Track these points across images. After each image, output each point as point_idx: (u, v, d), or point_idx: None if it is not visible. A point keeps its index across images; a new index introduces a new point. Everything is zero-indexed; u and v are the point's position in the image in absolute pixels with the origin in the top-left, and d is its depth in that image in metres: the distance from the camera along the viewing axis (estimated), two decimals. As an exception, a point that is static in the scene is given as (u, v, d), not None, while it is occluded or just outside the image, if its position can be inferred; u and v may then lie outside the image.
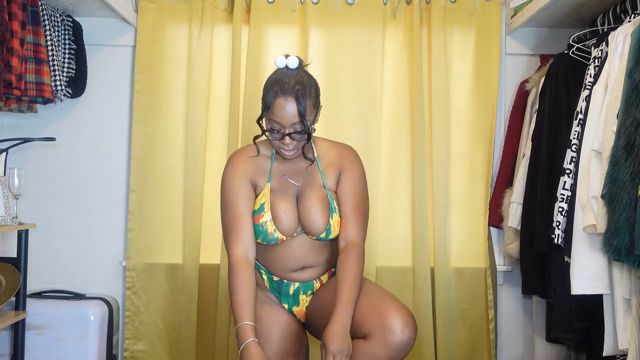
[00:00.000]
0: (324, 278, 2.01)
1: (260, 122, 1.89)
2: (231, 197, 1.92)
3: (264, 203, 1.90)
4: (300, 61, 1.88)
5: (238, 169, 1.95)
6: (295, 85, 1.79)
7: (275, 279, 1.99)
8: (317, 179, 1.96)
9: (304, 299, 2.00)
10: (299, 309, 2.01)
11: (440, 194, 2.88)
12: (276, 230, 1.89)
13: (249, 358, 1.74)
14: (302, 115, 1.79)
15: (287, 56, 1.87)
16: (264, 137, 1.91)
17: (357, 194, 1.94)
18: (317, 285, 2.00)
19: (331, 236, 1.92)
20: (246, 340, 1.76)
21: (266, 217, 1.89)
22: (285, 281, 1.98)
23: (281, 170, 1.97)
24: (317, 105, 1.88)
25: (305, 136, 1.85)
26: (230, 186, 1.93)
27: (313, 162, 1.96)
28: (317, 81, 1.91)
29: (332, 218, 1.90)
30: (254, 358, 1.74)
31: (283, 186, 1.95)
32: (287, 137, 1.83)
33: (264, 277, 2.00)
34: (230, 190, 1.92)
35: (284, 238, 1.91)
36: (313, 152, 1.98)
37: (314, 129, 1.92)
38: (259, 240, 1.92)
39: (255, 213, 1.90)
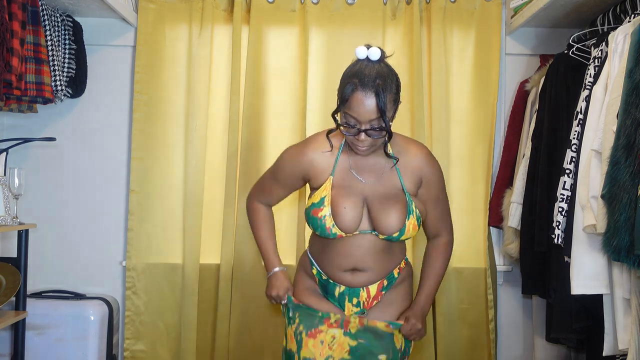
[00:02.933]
0: (372, 289, 1.87)
1: (336, 115, 1.75)
2: (280, 173, 1.95)
3: (324, 197, 1.79)
4: (383, 53, 1.74)
5: (304, 158, 1.87)
6: (376, 79, 1.66)
7: (324, 277, 1.89)
8: (394, 179, 1.84)
9: (350, 307, 1.88)
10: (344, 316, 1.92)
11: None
12: (334, 225, 1.78)
13: (276, 281, 1.94)
14: (382, 111, 1.66)
15: (368, 47, 1.72)
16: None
17: (442, 196, 1.93)
18: (363, 294, 1.86)
19: (404, 237, 1.81)
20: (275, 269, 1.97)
21: (325, 212, 1.78)
22: (331, 281, 1.88)
23: (349, 165, 1.85)
24: (397, 101, 1.77)
25: (383, 133, 1.72)
26: (285, 166, 1.92)
27: (395, 162, 1.84)
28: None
29: (408, 219, 1.80)
30: (277, 284, 1.92)
31: (348, 182, 1.83)
32: (363, 134, 1.71)
33: (314, 272, 1.92)
34: (283, 169, 1.93)
35: (343, 235, 1.80)
36: (391, 155, 1.84)
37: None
38: (317, 234, 1.85)
39: (314, 206, 1.80)
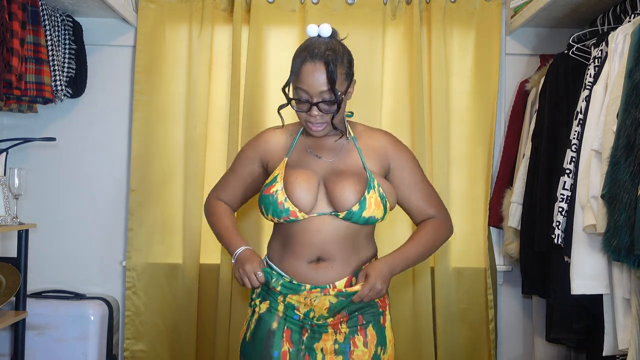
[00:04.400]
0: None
1: (286, 90, 1.69)
2: (237, 162, 1.88)
3: (277, 175, 1.72)
4: (334, 31, 1.71)
5: (260, 140, 1.83)
6: (326, 51, 1.62)
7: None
8: (354, 157, 1.76)
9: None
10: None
11: (440, 194, 2.85)
12: (287, 199, 1.67)
13: (247, 256, 1.73)
14: (332, 82, 1.61)
15: (319, 25, 1.69)
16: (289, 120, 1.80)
17: (419, 178, 1.83)
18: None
19: (366, 213, 1.67)
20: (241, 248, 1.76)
21: (277, 187, 1.69)
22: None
23: (305, 146, 1.79)
24: (349, 77, 1.69)
25: (335, 107, 1.66)
26: (243, 152, 1.87)
27: (344, 134, 1.77)
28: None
29: (368, 192, 1.67)
30: (248, 257, 1.72)
31: (304, 160, 1.76)
32: (315, 108, 1.65)
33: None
34: (240, 157, 1.87)
35: (297, 211, 1.67)
36: (347, 131, 1.79)
37: (351, 113, 1.80)
38: (270, 217, 1.72)
39: (267, 185, 1.72)
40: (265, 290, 1.78)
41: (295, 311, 1.73)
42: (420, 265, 2.85)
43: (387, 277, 1.70)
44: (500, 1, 2.94)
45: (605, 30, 2.37)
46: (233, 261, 1.76)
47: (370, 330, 1.74)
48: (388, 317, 1.79)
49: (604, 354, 2.09)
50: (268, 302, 1.76)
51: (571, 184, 2.18)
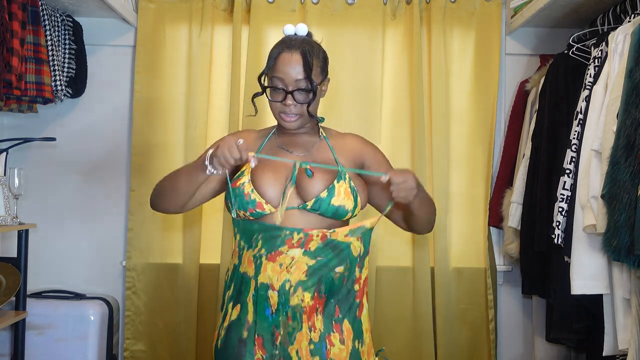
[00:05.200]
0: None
1: (262, 80, 1.69)
2: (199, 159, 1.68)
3: (245, 169, 1.68)
4: (310, 32, 1.74)
5: (232, 136, 1.69)
6: (302, 43, 1.65)
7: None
8: (326, 153, 1.73)
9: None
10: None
11: (440, 194, 2.88)
12: (253, 191, 1.63)
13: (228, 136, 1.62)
14: (308, 70, 1.61)
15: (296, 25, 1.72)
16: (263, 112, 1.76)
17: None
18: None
19: (334, 201, 1.61)
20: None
21: (244, 180, 1.65)
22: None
23: (276, 143, 1.76)
24: (324, 72, 1.70)
25: (310, 97, 1.64)
26: (207, 152, 1.65)
27: (316, 133, 1.76)
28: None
29: (337, 182, 1.63)
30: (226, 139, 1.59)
31: (274, 152, 1.73)
32: (290, 97, 1.63)
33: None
34: (203, 155, 1.67)
35: (263, 203, 1.62)
36: (320, 131, 1.77)
37: (322, 119, 1.77)
38: (236, 211, 1.65)
39: (234, 180, 1.67)
40: (236, 290, 1.69)
41: (269, 299, 1.62)
42: (420, 265, 2.87)
43: (417, 181, 1.58)
44: (500, 1, 2.94)
45: (605, 30, 2.37)
46: (207, 162, 1.59)
47: (346, 325, 1.66)
48: (365, 306, 1.72)
49: (604, 354, 2.09)
50: (239, 305, 1.67)
51: (571, 184, 2.19)
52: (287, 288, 1.62)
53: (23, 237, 2.46)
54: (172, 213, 1.80)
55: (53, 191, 2.99)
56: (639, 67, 1.83)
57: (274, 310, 1.63)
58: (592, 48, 2.30)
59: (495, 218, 2.87)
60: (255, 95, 1.73)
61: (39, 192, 2.97)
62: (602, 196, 1.89)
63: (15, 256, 2.46)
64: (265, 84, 1.68)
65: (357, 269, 1.68)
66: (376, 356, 1.75)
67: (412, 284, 2.90)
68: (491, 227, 2.94)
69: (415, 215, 1.72)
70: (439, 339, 2.86)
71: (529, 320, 2.95)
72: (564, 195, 2.20)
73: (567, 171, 2.20)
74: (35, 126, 2.97)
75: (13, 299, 2.42)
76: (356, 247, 1.67)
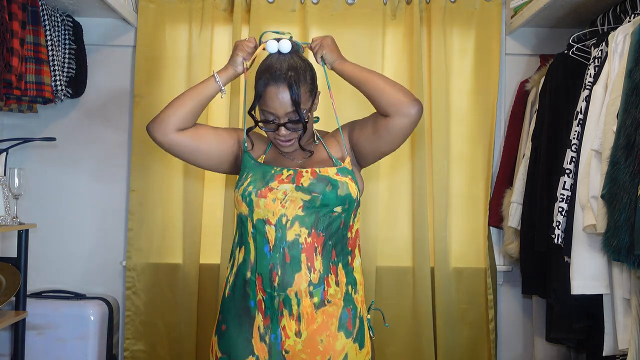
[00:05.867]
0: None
1: (253, 112, 1.75)
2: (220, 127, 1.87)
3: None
4: (294, 45, 1.74)
5: (241, 132, 1.84)
6: (288, 71, 1.66)
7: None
8: (322, 154, 1.80)
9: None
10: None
11: (440, 194, 2.88)
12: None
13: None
14: (296, 103, 1.66)
15: (278, 40, 1.73)
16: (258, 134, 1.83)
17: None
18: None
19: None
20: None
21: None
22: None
23: (278, 152, 1.83)
24: (313, 92, 1.74)
25: (301, 126, 1.70)
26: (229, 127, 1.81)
27: (314, 134, 1.83)
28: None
29: (337, 165, 1.75)
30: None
31: (279, 159, 1.81)
32: (282, 128, 1.69)
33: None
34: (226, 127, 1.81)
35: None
36: (315, 135, 1.83)
37: (317, 119, 1.81)
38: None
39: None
40: (239, 235, 1.75)
41: (266, 234, 1.66)
42: (420, 265, 2.86)
43: (333, 43, 1.80)
44: (500, 1, 2.94)
45: (605, 30, 2.37)
46: (215, 74, 1.83)
47: (340, 269, 1.70)
48: (357, 257, 1.76)
49: (604, 354, 2.09)
50: (243, 247, 1.72)
51: (571, 184, 2.19)
52: (283, 222, 1.67)
53: (23, 237, 2.46)
54: (168, 138, 1.80)
55: (53, 191, 2.99)
56: (639, 67, 1.83)
57: (272, 247, 1.67)
58: (592, 48, 2.30)
59: (495, 218, 2.87)
60: (250, 129, 1.80)
61: (39, 192, 2.97)
62: (602, 196, 1.89)
63: (15, 256, 2.46)
64: (257, 116, 1.75)
65: (352, 217, 1.73)
66: (368, 312, 1.79)
67: (412, 284, 2.89)
68: (491, 227, 2.94)
69: (368, 85, 1.80)
70: (439, 339, 2.86)
71: (529, 320, 2.95)
72: (564, 195, 2.20)
73: (567, 171, 2.20)
74: (35, 126, 2.97)
75: (13, 299, 2.42)
76: (353, 188, 1.72)
